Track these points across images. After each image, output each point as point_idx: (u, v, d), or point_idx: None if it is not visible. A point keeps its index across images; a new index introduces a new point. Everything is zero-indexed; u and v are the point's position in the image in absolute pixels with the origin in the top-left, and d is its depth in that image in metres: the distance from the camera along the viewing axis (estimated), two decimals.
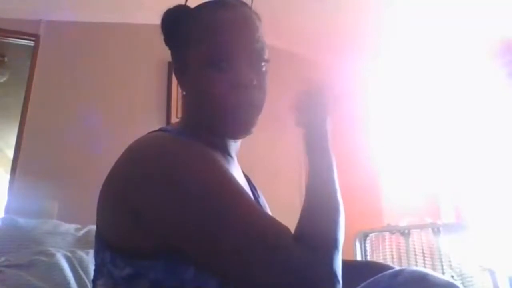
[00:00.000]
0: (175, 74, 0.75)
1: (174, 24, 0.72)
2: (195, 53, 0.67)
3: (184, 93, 0.73)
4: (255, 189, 0.86)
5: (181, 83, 0.74)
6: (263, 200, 0.87)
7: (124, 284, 0.58)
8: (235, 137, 0.72)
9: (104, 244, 0.61)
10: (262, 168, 1.96)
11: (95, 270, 0.65)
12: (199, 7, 0.72)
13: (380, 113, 2.89)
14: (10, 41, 2.06)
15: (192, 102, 0.72)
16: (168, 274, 0.56)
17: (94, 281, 0.65)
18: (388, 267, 0.78)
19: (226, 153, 0.75)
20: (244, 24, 0.69)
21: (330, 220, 0.59)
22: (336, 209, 0.61)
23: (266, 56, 0.70)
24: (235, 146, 0.77)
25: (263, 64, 0.70)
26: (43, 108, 1.95)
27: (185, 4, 0.75)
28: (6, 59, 2.17)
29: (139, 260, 0.57)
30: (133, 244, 0.58)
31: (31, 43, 2.03)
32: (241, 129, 0.69)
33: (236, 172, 0.77)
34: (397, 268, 0.63)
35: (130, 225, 0.58)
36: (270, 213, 0.76)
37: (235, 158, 0.79)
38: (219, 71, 0.65)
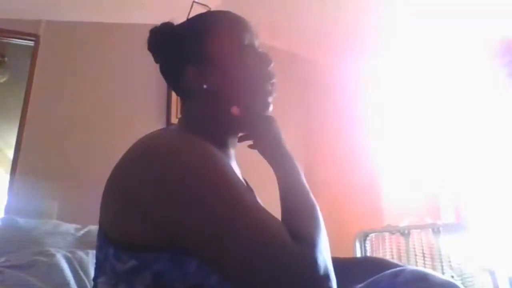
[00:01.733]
0: (177, 75, 0.75)
1: (174, 31, 0.76)
2: (222, 43, 0.73)
3: (204, 86, 0.73)
4: (250, 189, 0.87)
5: (198, 79, 0.73)
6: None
7: (127, 277, 0.58)
8: (263, 111, 0.77)
9: (108, 239, 0.62)
10: (262, 168, 1.95)
11: (96, 269, 0.66)
12: (203, 14, 0.78)
13: (380, 113, 2.89)
14: (10, 41, 2.06)
15: (217, 90, 0.73)
16: (172, 266, 0.56)
17: (95, 280, 0.66)
18: (387, 263, 0.79)
19: (227, 149, 0.77)
20: (249, 22, 0.78)
21: (311, 218, 0.60)
22: (313, 207, 0.62)
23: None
24: (234, 143, 0.79)
25: None
26: (43, 108, 1.95)
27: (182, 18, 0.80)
28: (6, 59, 2.17)
29: (144, 253, 0.57)
30: (138, 238, 0.58)
31: (31, 43, 2.03)
32: (268, 103, 0.76)
33: (236, 169, 0.78)
34: (397, 267, 0.63)
35: (136, 220, 0.58)
36: None
37: (234, 158, 0.80)
38: (248, 55, 0.74)
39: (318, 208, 0.63)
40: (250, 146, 0.81)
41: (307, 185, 0.67)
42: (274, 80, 0.76)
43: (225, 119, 0.75)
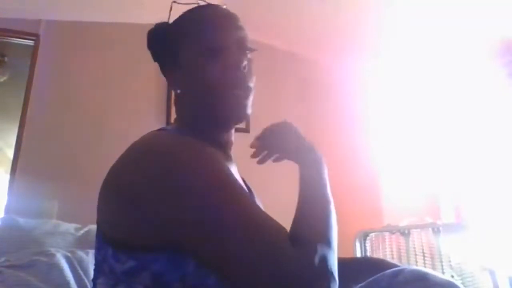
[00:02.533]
0: (166, 76, 0.78)
1: (162, 32, 0.77)
2: (187, 48, 0.72)
3: (178, 91, 0.75)
4: (249, 189, 0.87)
5: (174, 83, 0.76)
6: (256, 200, 0.88)
7: (126, 278, 0.58)
8: (234, 120, 0.74)
9: (106, 240, 0.62)
10: (262, 168, 1.96)
11: (95, 269, 0.66)
12: (185, 13, 0.77)
13: (380, 113, 2.89)
14: (10, 41, 2.06)
15: (188, 96, 0.74)
16: (171, 267, 0.56)
17: (94, 281, 0.66)
18: (386, 263, 0.79)
19: (223, 149, 0.76)
20: (227, 15, 0.75)
21: (324, 221, 0.60)
22: (329, 210, 0.63)
23: (249, 44, 0.75)
24: (230, 142, 0.79)
25: (247, 51, 0.74)
26: (43, 108, 1.95)
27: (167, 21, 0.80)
28: (6, 59, 2.17)
29: (143, 253, 0.57)
30: (136, 239, 0.58)
31: (31, 43, 2.03)
32: (240, 110, 0.72)
33: (233, 170, 0.78)
34: (397, 267, 0.63)
35: (134, 221, 0.58)
36: None
37: (232, 155, 0.80)
38: (212, 59, 0.70)
39: (332, 212, 0.63)
40: (252, 146, 0.82)
41: (327, 187, 0.68)
42: (248, 85, 0.72)
43: (206, 121, 0.74)
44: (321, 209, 0.62)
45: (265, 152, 0.86)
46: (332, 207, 0.64)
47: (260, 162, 0.86)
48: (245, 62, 0.71)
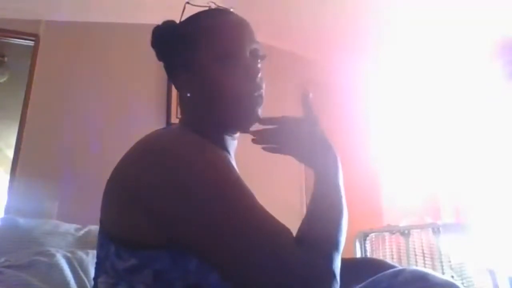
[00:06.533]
0: (173, 77, 0.76)
1: (171, 32, 0.75)
2: (200, 51, 0.71)
3: (188, 94, 0.73)
4: None
5: (182, 85, 0.74)
6: None
7: (128, 275, 0.58)
8: (247, 126, 0.74)
9: (109, 237, 0.62)
10: (262, 168, 1.96)
11: (96, 267, 0.66)
12: (198, 14, 0.75)
13: (380, 113, 2.89)
14: (10, 41, 2.06)
15: (199, 100, 0.72)
16: (173, 265, 0.57)
17: (95, 279, 0.66)
18: (386, 264, 0.79)
19: (226, 151, 0.76)
20: (245, 26, 0.75)
21: (332, 223, 0.60)
22: (339, 212, 0.63)
23: (261, 54, 0.75)
24: (233, 145, 0.78)
25: (259, 61, 0.75)
26: (43, 108, 1.95)
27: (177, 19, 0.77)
28: (6, 59, 2.18)
29: (145, 251, 0.57)
30: (138, 236, 0.58)
31: (31, 43, 2.03)
32: (253, 117, 0.73)
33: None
34: (397, 267, 0.63)
35: (137, 219, 0.58)
36: None
37: (234, 160, 0.80)
38: (228, 66, 0.70)
39: (343, 214, 0.63)
40: (258, 141, 0.80)
41: (342, 190, 0.68)
42: (260, 92, 0.72)
43: (215, 126, 0.73)
44: (333, 212, 0.62)
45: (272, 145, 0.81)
46: (345, 210, 0.64)
47: (266, 150, 0.82)
48: (260, 73, 0.72)
